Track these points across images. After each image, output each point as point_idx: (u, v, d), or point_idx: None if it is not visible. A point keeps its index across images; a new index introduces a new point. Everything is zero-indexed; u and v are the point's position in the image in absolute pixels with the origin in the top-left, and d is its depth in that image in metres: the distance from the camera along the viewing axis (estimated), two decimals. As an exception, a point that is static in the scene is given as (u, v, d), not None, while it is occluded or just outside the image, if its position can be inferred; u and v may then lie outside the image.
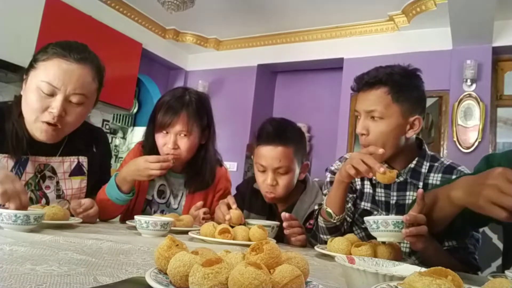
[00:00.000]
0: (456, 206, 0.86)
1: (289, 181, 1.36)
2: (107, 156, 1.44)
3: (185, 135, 1.35)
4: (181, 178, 1.48)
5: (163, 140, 1.36)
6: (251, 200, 1.50)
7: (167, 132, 1.35)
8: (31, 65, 1.14)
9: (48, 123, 1.12)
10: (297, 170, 1.39)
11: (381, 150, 1.03)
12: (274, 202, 1.43)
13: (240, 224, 1.19)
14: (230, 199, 1.28)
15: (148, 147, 1.43)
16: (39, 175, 1.20)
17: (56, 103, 1.09)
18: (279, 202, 1.45)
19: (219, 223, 1.18)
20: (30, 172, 1.17)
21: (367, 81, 1.17)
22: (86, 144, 1.29)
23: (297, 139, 1.39)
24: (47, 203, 1.21)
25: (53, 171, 1.23)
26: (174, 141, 1.34)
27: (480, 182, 0.77)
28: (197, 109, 1.39)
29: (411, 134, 1.18)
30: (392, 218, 0.91)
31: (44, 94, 1.09)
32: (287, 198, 1.43)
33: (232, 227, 1.12)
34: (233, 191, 1.61)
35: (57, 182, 1.23)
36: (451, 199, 0.86)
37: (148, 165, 1.22)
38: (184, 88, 1.47)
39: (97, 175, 1.33)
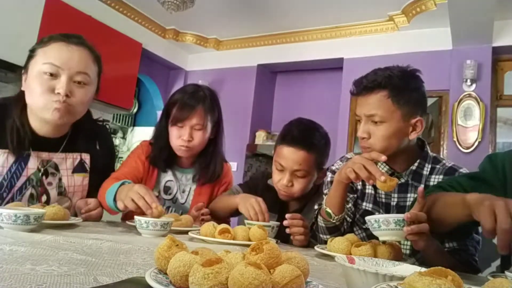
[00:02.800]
0: (468, 208, 0.85)
1: (305, 185, 1.37)
2: (110, 155, 1.45)
3: (200, 128, 1.40)
4: (189, 173, 1.52)
5: (177, 133, 1.40)
6: (263, 196, 1.49)
7: (182, 126, 1.39)
8: (30, 57, 1.13)
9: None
10: (315, 176, 1.40)
11: (383, 158, 1.02)
12: (288, 200, 1.45)
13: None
14: (263, 204, 1.27)
15: (162, 142, 1.45)
16: (42, 170, 1.19)
17: (61, 84, 1.08)
18: (293, 201, 1.47)
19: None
20: (33, 167, 1.17)
21: (366, 85, 1.16)
22: (89, 140, 1.28)
23: (321, 146, 1.38)
24: (48, 199, 1.20)
25: (56, 168, 1.22)
26: (190, 133, 1.39)
27: (495, 197, 0.77)
28: (211, 104, 1.44)
29: (414, 136, 1.17)
30: (393, 216, 0.91)
31: (48, 77, 1.08)
32: (298, 199, 1.45)
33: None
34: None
35: (60, 179, 1.22)
36: (466, 201, 0.84)
37: (137, 197, 1.09)
38: (195, 84, 1.52)
39: (101, 174, 1.31)
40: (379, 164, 1.22)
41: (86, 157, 1.28)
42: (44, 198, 1.20)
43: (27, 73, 1.13)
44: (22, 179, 1.15)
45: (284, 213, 1.45)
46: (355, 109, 1.25)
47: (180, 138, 1.39)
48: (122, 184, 1.20)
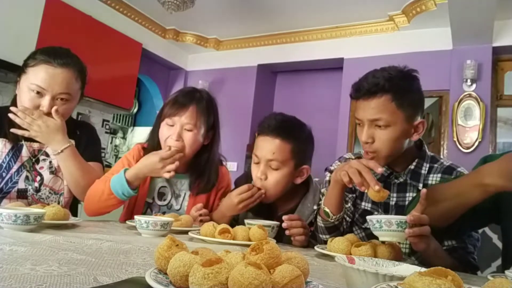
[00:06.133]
0: (489, 193, 0.87)
1: (279, 179, 1.29)
2: (92, 142, 1.51)
3: (190, 129, 1.34)
4: (183, 178, 1.47)
5: (167, 132, 1.34)
6: None
7: (172, 125, 1.34)
8: (22, 70, 1.31)
9: None
10: (292, 171, 1.32)
11: (380, 170, 1.01)
12: (266, 201, 1.36)
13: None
14: (234, 195, 1.30)
15: (154, 144, 1.42)
16: (33, 159, 1.37)
17: (45, 102, 1.29)
18: (279, 201, 1.40)
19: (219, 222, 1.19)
20: (26, 156, 1.36)
21: (369, 89, 1.13)
22: (71, 131, 1.39)
23: (301, 139, 1.33)
24: (41, 180, 1.36)
25: (46, 154, 1.39)
26: (179, 132, 1.33)
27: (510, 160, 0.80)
28: (206, 106, 1.39)
29: (416, 137, 1.17)
30: (396, 218, 0.91)
31: (35, 95, 1.28)
32: (289, 199, 1.40)
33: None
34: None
35: (50, 162, 1.39)
36: (486, 186, 0.86)
37: (164, 163, 1.26)
38: (194, 87, 1.48)
39: (84, 155, 1.40)
40: None
41: (72, 142, 1.39)
42: (38, 179, 1.36)
43: (20, 84, 1.33)
44: (18, 164, 1.34)
45: (271, 217, 1.38)
46: (354, 110, 1.23)
47: (169, 137, 1.33)
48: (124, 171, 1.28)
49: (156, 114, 1.48)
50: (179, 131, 1.33)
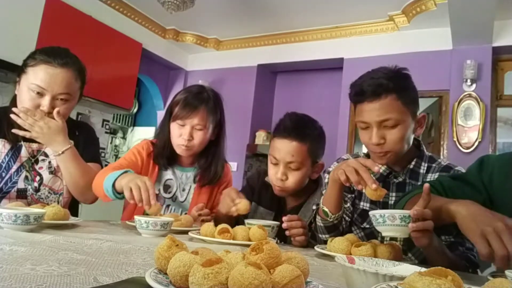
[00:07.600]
0: (452, 219, 0.88)
1: (299, 178, 1.35)
2: (91, 142, 1.52)
3: (200, 129, 1.42)
4: (189, 171, 1.53)
5: (178, 131, 1.42)
6: (260, 194, 1.51)
7: (183, 125, 1.41)
8: (22, 70, 1.32)
9: None
10: (310, 168, 1.38)
11: (376, 169, 1.01)
12: (283, 195, 1.43)
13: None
14: (234, 193, 1.28)
15: (164, 140, 1.47)
16: (33, 159, 1.37)
17: (45, 102, 1.30)
18: (288, 196, 1.45)
19: (221, 220, 1.20)
20: (25, 156, 1.37)
21: (373, 90, 1.13)
22: (70, 131, 1.40)
23: (315, 137, 1.37)
24: (41, 180, 1.36)
25: (45, 155, 1.40)
26: (190, 132, 1.40)
27: (488, 215, 0.80)
28: (214, 105, 1.46)
29: (420, 132, 1.20)
30: (399, 212, 0.91)
31: (35, 95, 1.29)
32: (297, 196, 1.44)
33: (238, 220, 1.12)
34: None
35: (49, 162, 1.40)
36: (450, 212, 0.88)
37: (144, 188, 1.13)
38: (200, 85, 1.52)
39: (83, 156, 1.40)
40: None
41: (71, 143, 1.39)
42: (37, 179, 1.37)
43: (19, 84, 1.33)
44: (17, 164, 1.34)
45: (281, 211, 1.46)
46: (355, 113, 1.22)
47: (180, 137, 1.41)
48: (125, 172, 1.23)
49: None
50: (190, 131, 1.41)
